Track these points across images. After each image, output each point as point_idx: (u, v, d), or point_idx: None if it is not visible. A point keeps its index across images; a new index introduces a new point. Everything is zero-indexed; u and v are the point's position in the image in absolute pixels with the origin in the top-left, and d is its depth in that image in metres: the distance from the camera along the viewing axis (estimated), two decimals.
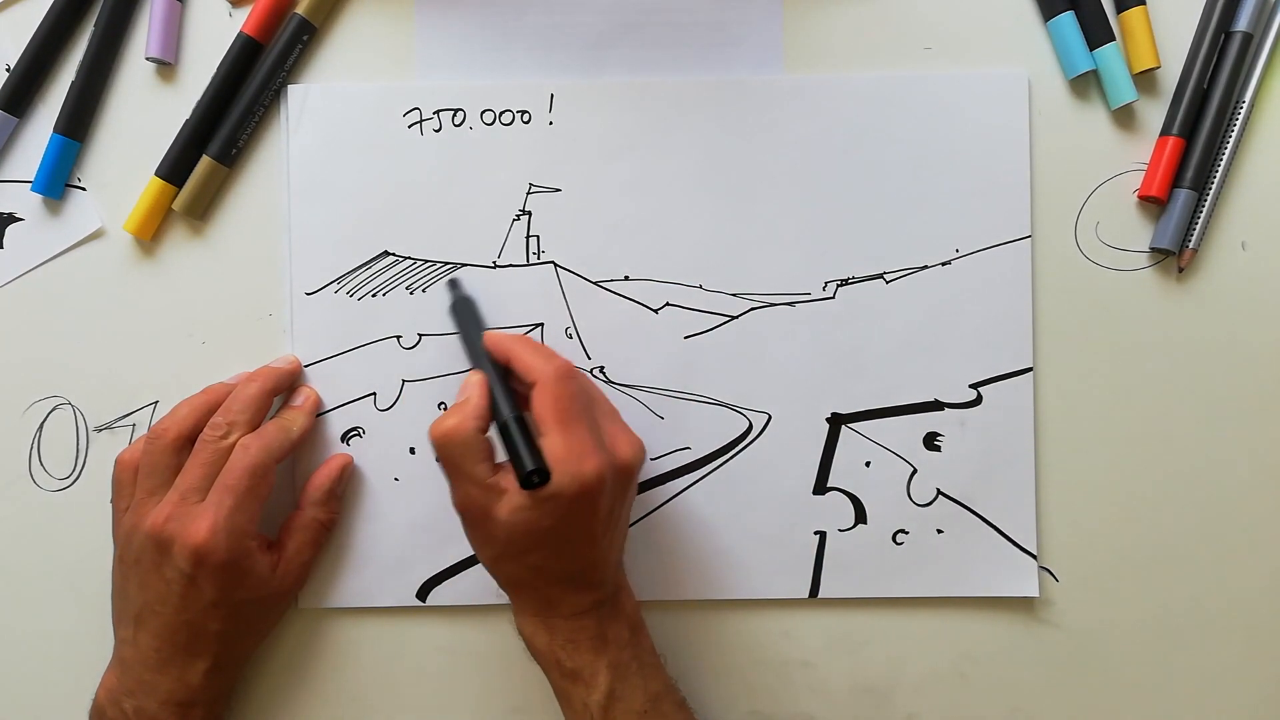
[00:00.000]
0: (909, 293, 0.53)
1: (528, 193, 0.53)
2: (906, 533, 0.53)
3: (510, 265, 0.53)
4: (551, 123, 0.53)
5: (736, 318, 0.53)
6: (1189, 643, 0.53)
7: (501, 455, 0.46)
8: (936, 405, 0.53)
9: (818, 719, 0.54)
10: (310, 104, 0.53)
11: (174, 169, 0.53)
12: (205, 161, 0.53)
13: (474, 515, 0.47)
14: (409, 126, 0.53)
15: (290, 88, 0.53)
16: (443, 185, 0.53)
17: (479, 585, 0.53)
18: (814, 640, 0.54)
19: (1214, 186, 0.53)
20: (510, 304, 0.53)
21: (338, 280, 0.53)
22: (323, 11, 0.53)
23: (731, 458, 0.53)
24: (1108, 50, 0.53)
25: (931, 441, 0.53)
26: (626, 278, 0.53)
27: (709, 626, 0.53)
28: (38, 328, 0.53)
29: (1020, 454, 0.53)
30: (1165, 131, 0.53)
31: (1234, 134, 0.53)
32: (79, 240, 0.54)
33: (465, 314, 0.51)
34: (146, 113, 0.54)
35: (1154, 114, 0.54)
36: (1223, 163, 0.53)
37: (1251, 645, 0.54)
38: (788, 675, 0.54)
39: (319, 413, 0.53)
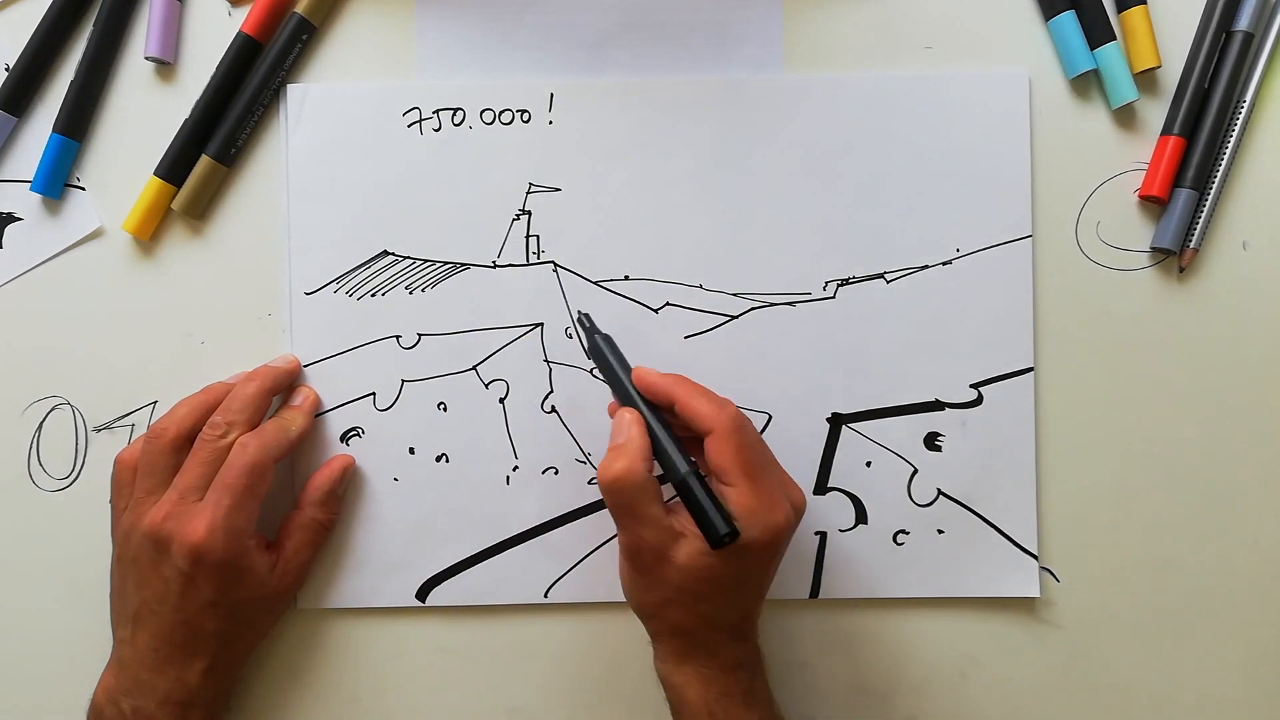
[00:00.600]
0: (909, 292, 0.53)
1: (527, 192, 0.53)
2: (907, 533, 0.53)
3: (510, 265, 0.53)
4: (551, 122, 0.53)
5: (736, 318, 0.53)
6: (1189, 642, 0.53)
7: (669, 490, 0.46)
8: (937, 405, 0.53)
9: (817, 719, 0.53)
10: (310, 103, 0.53)
11: (173, 168, 0.53)
12: (204, 161, 0.53)
13: (647, 559, 0.45)
14: (408, 126, 0.53)
15: (289, 87, 0.53)
16: (442, 185, 0.53)
17: (479, 585, 0.53)
18: (814, 641, 0.53)
19: (1215, 186, 0.53)
20: (510, 304, 0.53)
21: (337, 280, 0.53)
22: (322, 11, 0.53)
23: None
24: (1108, 50, 0.53)
25: (932, 441, 0.53)
26: (626, 278, 0.53)
27: None
28: (37, 327, 0.53)
29: (1021, 454, 0.53)
30: (1166, 131, 0.53)
31: (1235, 133, 0.53)
32: (78, 240, 0.54)
33: (607, 351, 0.50)
34: (146, 112, 0.53)
35: (1155, 113, 0.53)
36: (1224, 162, 0.52)
37: (1251, 645, 0.53)
38: (788, 676, 0.53)
39: (318, 413, 0.53)
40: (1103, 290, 0.53)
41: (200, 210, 0.53)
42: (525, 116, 0.53)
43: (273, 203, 0.53)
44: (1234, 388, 0.53)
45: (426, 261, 0.53)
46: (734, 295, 0.53)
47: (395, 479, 0.53)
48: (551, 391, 0.53)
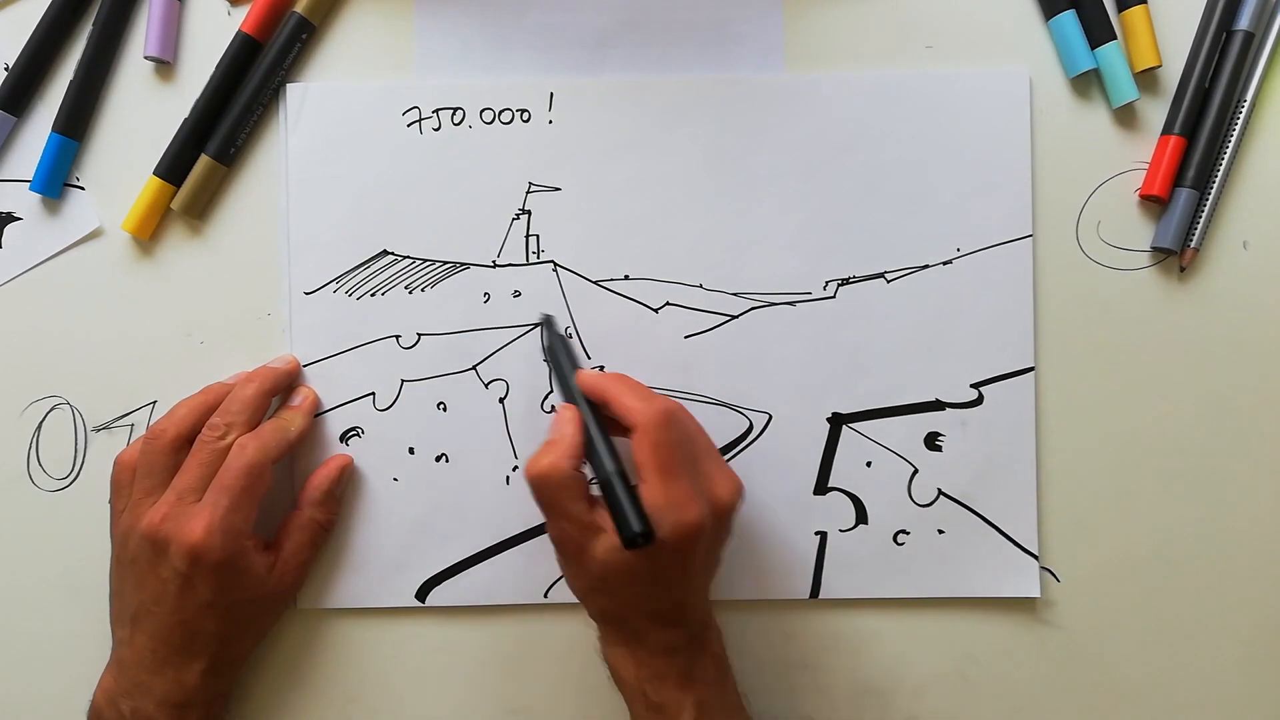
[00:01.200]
0: (910, 292, 0.53)
1: (527, 192, 0.53)
2: (907, 533, 0.53)
3: (510, 265, 0.53)
4: (551, 122, 0.53)
5: (736, 318, 0.53)
6: (1189, 642, 0.53)
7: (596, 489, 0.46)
8: (937, 405, 0.53)
9: (817, 719, 0.54)
10: (309, 103, 0.53)
11: (172, 168, 0.53)
12: (204, 160, 0.52)
13: (569, 550, 0.47)
14: (408, 126, 0.53)
15: (289, 86, 0.53)
16: (442, 185, 0.53)
17: (478, 585, 0.53)
18: (815, 641, 0.53)
19: (1215, 186, 0.52)
20: (510, 304, 0.53)
21: (336, 280, 0.53)
22: (321, 10, 0.53)
23: (732, 458, 0.53)
24: (1109, 49, 0.52)
25: (932, 441, 0.53)
26: (626, 277, 0.53)
27: None
28: (36, 327, 0.53)
29: (1021, 454, 0.53)
30: (1167, 130, 0.53)
31: (1235, 133, 0.53)
32: (77, 240, 0.53)
33: (560, 352, 0.50)
34: (145, 112, 0.53)
35: (1155, 113, 0.53)
36: (1224, 162, 0.52)
37: (1252, 645, 0.53)
38: (788, 676, 0.53)
39: (317, 413, 0.53)
40: (1103, 290, 0.53)
41: (200, 210, 0.53)
42: (525, 116, 0.53)
43: (272, 202, 0.53)
44: (1234, 387, 0.53)
45: (426, 261, 0.53)
46: (734, 295, 0.53)
47: (395, 479, 0.53)
48: (551, 391, 0.53)
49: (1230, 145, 0.52)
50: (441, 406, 0.53)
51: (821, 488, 0.53)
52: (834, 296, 0.53)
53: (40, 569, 0.53)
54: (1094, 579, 0.53)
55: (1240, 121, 0.53)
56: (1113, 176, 0.53)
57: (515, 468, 0.53)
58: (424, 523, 0.53)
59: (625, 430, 0.46)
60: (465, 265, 0.53)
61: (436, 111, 0.53)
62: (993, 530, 0.53)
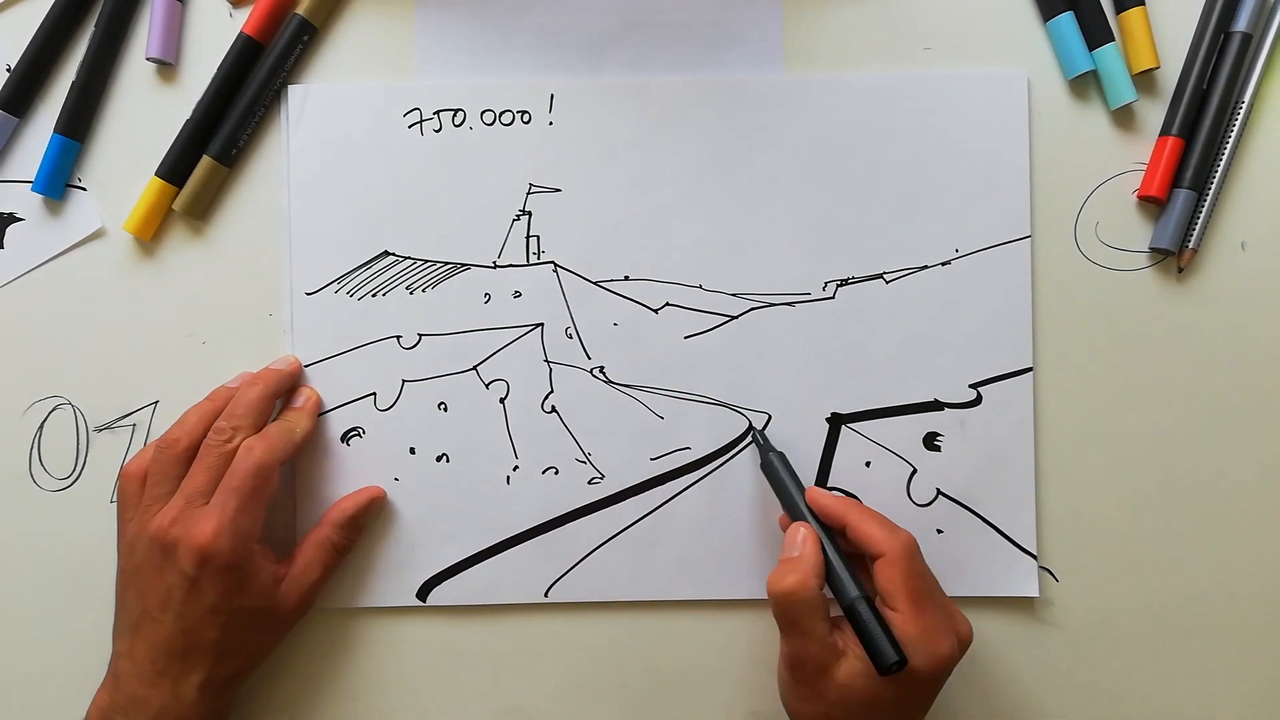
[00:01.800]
0: (909, 293, 0.53)
1: (528, 193, 0.53)
2: None
3: (510, 265, 0.53)
4: (551, 123, 0.53)
5: (736, 318, 0.53)
6: (1189, 642, 0.53)
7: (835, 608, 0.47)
8: (936, 405, 0.53)
9: None
10: (310, 104, 0.53)
11: (174, 169, 0.53)
12: (205, 161, 0.53)
13: (807, 672, 0.46)
14: (409, 126, 0.53)
15: (290, 88, 0.53)
16: (443, 185, 0.53)
17: (479, 585, 0.53)
18: None
19: (1213, 186, 0.53)
20: (510, 304, 0.53)
21: (338, 280, 0.53)
22: (323, 12, 0.53)
23: (732, 458, 0.53)
24: (1107, 50, 0.53)
25: (931, 441, 0.53)
26: (626, 278, 0.53)
27: (709, 626, 0.53)
28: (38, 328, 0.53)
29: (1020, 454, 0.53)
30: (1165, 131, 0.53)
31: (1233, 134, 0.53)
32: (79, 240, 0.54)
33: (781, 469, 0.51)
34: (147, 113, 0.54)
35: (1153, 114, 0.54)
36: (1222, 163, 0.53)
37: (1251, 645, 0.53)
38: None
39: (319, 413, 0.53)
40: (1102, 291, 0.54)
41: (201, 211, 0.53)
42: (525, 117, 0.53)
43: (274, 203, 0.54)
44: (1233, 387, 0.53)
45: (427, 262, 0.53)
46: (734, 295, 0.53)
47: (396, 479, 0.53)
48: (551, 391, 0.53)
49: (1228, 146, 0.53)
50: (442, 407, 0.53)
51: (821, 487, 0.53)
52: (833, 297, 0.53)
53: (41, 569, 0.53)
54: (1093, 579, 0.53)
55: (1238, 122, 0.53)
56: (1111, 177, 0.54)
57: (515, 467, 0.53)
58: (425, 522, 0.53)
59: (862, 555, 0.47)
60: (466, 266, 0.53)
61: (437, 113, 0.53)
62: (991, 530, 0.53)
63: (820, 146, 0.53)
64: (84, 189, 0.54)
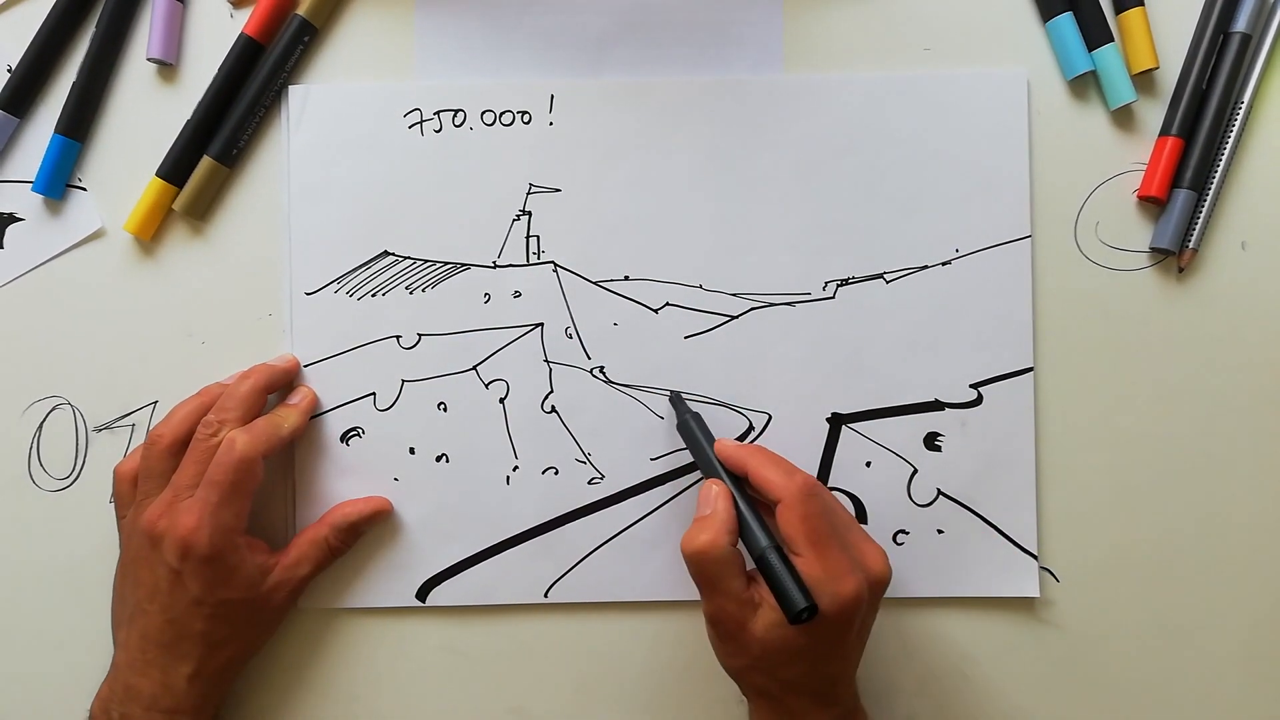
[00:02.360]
0: (909, 293, 0.53)
1: (528, 193, 0.53)
2: (907, 533, 0.53)
3: (510, 265, 0.53)
4: (551, 123, 0.53)
5: (736, 318, 0.53)
6: (1189, 642, 0.53)
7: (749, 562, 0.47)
8: (937, 405, 0.53)
9: None
10: (311, 104, 0.53)
11: (175, 169, 0.53)
12: (206, 162, 0.53)
13: (727, 628, 0.46)
14: (409, 127, 0.53)
15: (291, 88, 0.53)
16: (443, 186, 0.53)
17: (479, 585, 0.53)
18: None
19: (1213, 186, 0.53)
20: (510, 304, 0.53)
21: (338, 280, 0.53)
22: (324, 12, 0.53)
23: None
24: (1107, 51, 0.53)
25: (932, 441, 0.53)
26: (626, 278, 0.53)
27: None
28: (38, 328, 0.53)
29: (1020, 454, 0.53)
30: (1164, 132, 0.53)
31: (1233, 134, 0.53)
32: (79, 240, 0.54)
33: (694, 428, 0.51)
34: (147, 113, 0.54)
35: (1153, 114, 0.54)
36: (1222, 163, 0.53)
37: (1251, 645, 0.53)
38: None
39: (317, 413, 0.53)
40: (1102, 290, 0.54)
41: (201, 211, 0.53)
42: (526, 117, 0.53)
43: (274, 203, 0.54)
44: (1233, 387, 0.53)
45: (427, 262, 0.53)
46: (734, 295, 0.53)
47: (395, 479, 0.53)
48: (551, 391, 0.53)
49: (1228, 146, 0.53)
50: (442, 407, 0.53)
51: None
52: (833, 297, 0.53)
53: (41, 569, 0.53)
54: (1093, 579, 0.53)
55: (1238, 122, 0.53)
56: (1111, 178, 0.54)
57: (515, 467, 0.53)
58: (425, 523, 0.53)
59: (766, 504, 0.47)
60: (466, 266, 0.53)
61: (437, 113, 0.53)
62: (992, 530, 0.53)
63: (820, 146, 0.53)
64: (84, 189, 0.54)
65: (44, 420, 0.54)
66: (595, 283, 0.53)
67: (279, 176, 0.54)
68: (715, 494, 0.47)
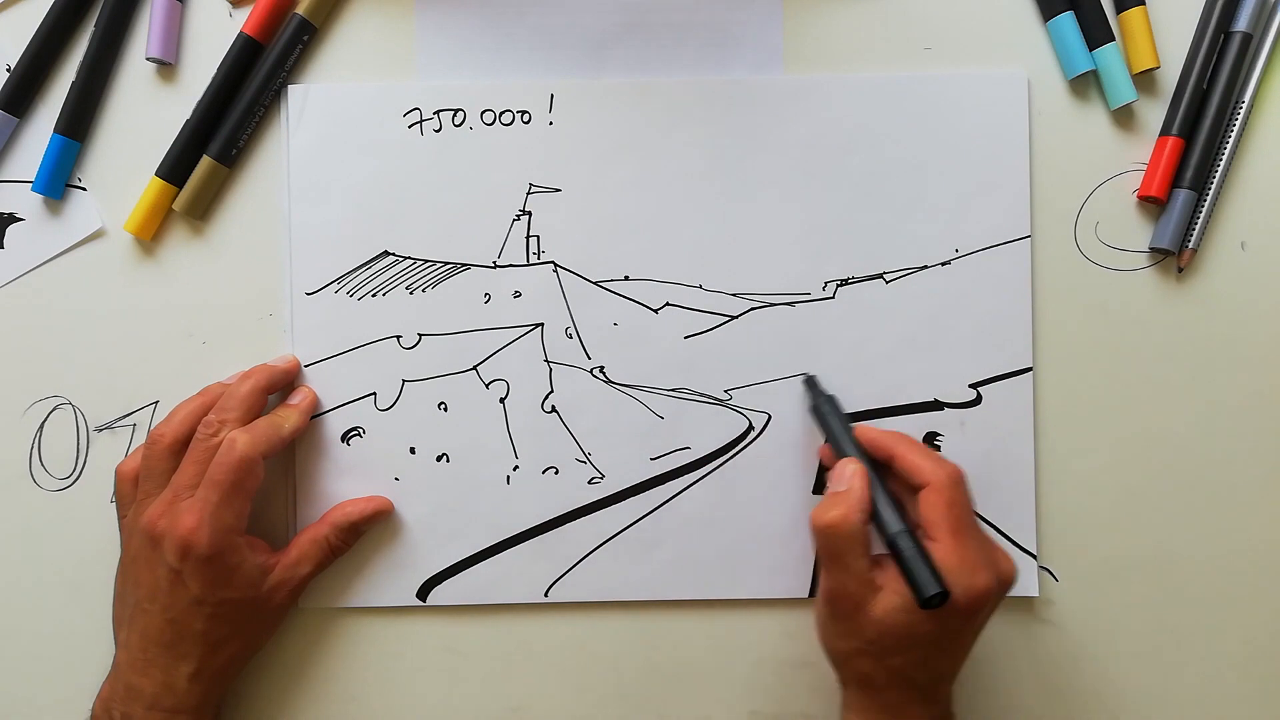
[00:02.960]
0: (909, 293, 0.53)
1: (528, 193, 0.53)
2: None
3: (510, 265, 0.53)
4: (551, 123, 0.53)
5: (736, 318, 0.53)
6: (1189, 642, 0.53)
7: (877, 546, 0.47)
8: (936, 405, 0.53)
9: (817, 719, 0.53)
10: (310, 104, 0.53)
11: (174, 169, 0.53)
12: (206, 161, 0.53)
13: (845, 607, 0.46)
14: (409, 126, 0.53)
15: (290, 88, 0.53)
16: (443, 185, 0.53)
17: (479, 585, 0.53)
18: (814, 640, 0.53)
19: (1213, 186, 0.53)
20: (510, 304, 0.53)
21: (338, 280, 0.53)
22: (323, 12, 0.53)
23: (731, 458, 0.53)
24: (1107, 50, 0.53)
25: (931, 441, 0.53)
26: (626, 278, 0.53)
27: (709, 626, 0.53)
28: (38, 328, 0.54)
29: (1020, 454, 0.53)
30: (1165, 131, 0.53)
31: (1233, 134, 0.53)
32: (79, 240, 0.54)
33: (829, 410, 0.51)
34: (147, 113, 0.54)
35: (1153, 114, 0.54)
36: (1222, 163, 0.53)
37: (1251, 645, 0.54)
38: (788, 675, 0.54)
39: (317, 413, 0.53)
40: (1101, 290, 0.54)
41: (201, 211, 0.53)
42: (525, 117, 0.53)
43: (274, 203, 0.54)
44: (1233, 387, 0.53)
45: (427, 262, 0.53)
46: (734, 295, 0.53)
47: (396, 479, 0.53)
48: (552, 391, 0.53)
49: (1228, 146, 0.53)
50: (442, 406, 0.53)
51: (820, 487, 0.53)
52: (833, 297, 0.53)
53: (42, 569, 0.53)
54: (1092, 578, 0.53)
55: (1238, 122, 0.53)
56: (1111, 177, 0.54)
57: (515, 467, 0.53)
58: (425, 522, 0.53)
59: (908, 488, 0.47)
60: (466, 266, 0.53)
61: (437, 113, 0.53)
62: (991, 530, 0.53)
63: (819, 147, 0.53)
64: (84, 189, 0.54)
65: (45, 420, 0.54)
66: (595, 283, 0.53)
67: (279, 176, 0.53)
68: (851, 472, 0.47)
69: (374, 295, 0.53)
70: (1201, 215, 0.53)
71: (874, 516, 0.47)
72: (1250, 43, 0.53)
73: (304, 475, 0.53)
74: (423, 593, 0.53)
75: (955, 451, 0.53)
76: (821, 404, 0.51)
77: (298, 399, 0.52)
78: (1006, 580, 0.46)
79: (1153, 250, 0.53)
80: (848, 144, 0.53)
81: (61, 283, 0.54)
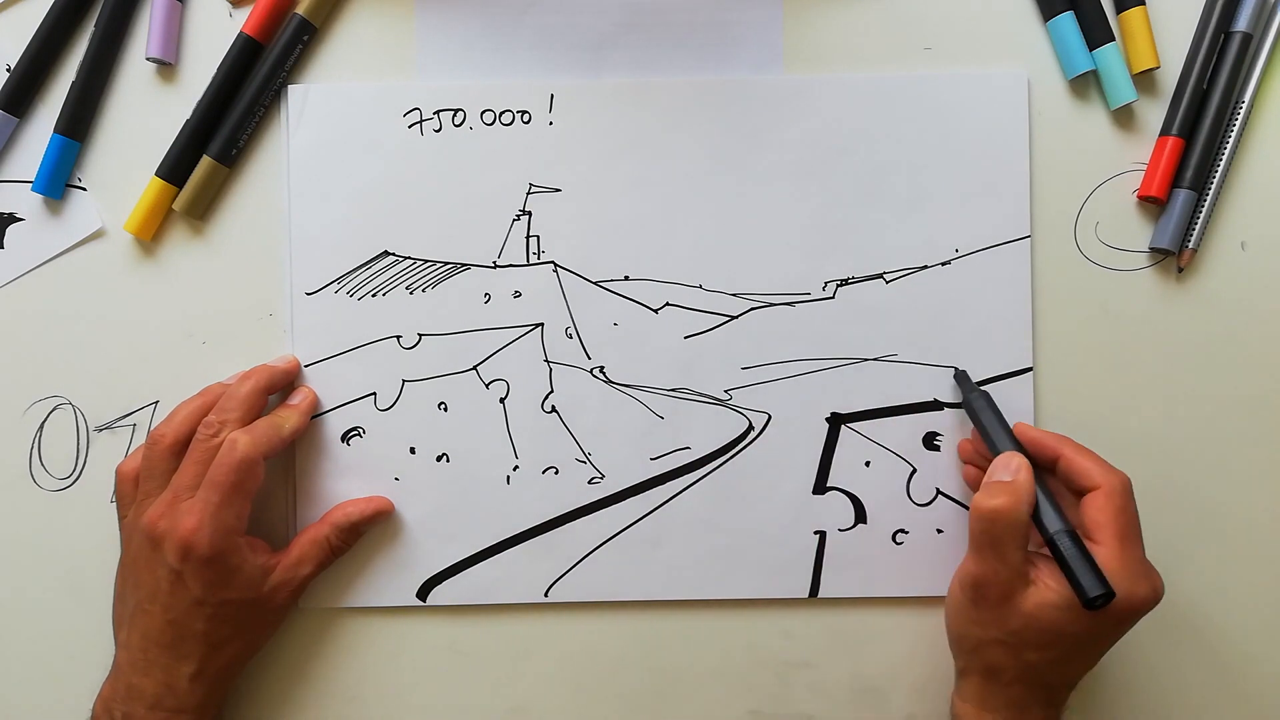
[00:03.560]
0: (908, 293, 0.53)
1: (528, 193, 0.53)
2: (906, 532, 0.53)
3: (510, 265, 0.53)
4: (551, 123, 0.53)
5: (736, 318, 0.53)
6: (1189, 642, 0.53)
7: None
8: (936, 405, 0.53)
9: (818, 719, 0.54)
10: (310, 104, 0.53)
11: (174, 169, 0.53)
12: (205, 161, 0.53)
13: (992, 595, 0.46)
14: (409, 126, 0.53)
15: (290, 88, 0.53)
16: (443, 185, 0.53)
17: (479, 585, 0.53)
18: (814, 640, 0.54)
19: (1213, 186, 0.53)
20: (510, 304, 0.53)
21: (338, 280, 0.53)
22: (323, 11, 0.53)
23: (731, 458, 0.53)
24: (1107, 50, 0.53)
25: (931, 441, 0.53)
26: (626, 278, 0.53)
27: (709, 626, 0.53)
28: (38, 328, 0.54)
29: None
30: (1165, 131, 0.53)
31: (1233, 134, 0.53)
32: (79, 240, 0.54)
33: (985, 405, 0.51)
34: (147, 113, 0.54)
35: (1153, 114, 0.54)
36: (1222, 163, 0.53)
37: (1251, 645, 0.54)
38: (788, 675, 0.54)
39: (317, 413, 0.53)
40: (1101, 290, 0.54)
41: (201, 211, 0.53)
42: (525, 117, 0.53)
43: (274, 203, 0.54)
44: (1233, 387, 0.53)
45: (427, 262, 0.53)
46: (734, 295, 0.53)
47: (396, 479, 0.53)
48: (552, 391, 0.53)
49: (1228, 146, 0.53)
50: (442, 406, 0.53)
51: (820, 487, 0.53)
52: (833, 297, 0.53)
53: (42, 569, 0.53)
54: None
55: (1238, 122, 0.53)
56: (1111, 177, 0.54)
57: (516, 467, 0.53)
58: (425, 522, 0.53)
59: (1069, 490, 0.47)
60: (466, 266, 0.53)
61: (437, 113, 0.53)
62: None
63: (819, 147, 0.53)
64: (84, 189, 0.54)
65: (45, 420, 0.54)
66: (595, 283, 0.53)
67: (279, 176, 0.53)
68: (1017, 465, 0.47)
69: (374, 295, 0.53)
70: (1201, 215, 0.53)
71: (1036, 513, 0.47)
72: (1250, 43, 0.53)
73: (304, 475, 0.53)
74: (423, 593, 0.53)
75: (955, 451, 0.53)
76: (975, 399, 0.51)
77: (298, 399, 0.52)
78: (1159, 596, 0.46)
79: (1153, 250, 0.53)
80: (848, 144, 0.53)
81: (61, 283, 0.54)
